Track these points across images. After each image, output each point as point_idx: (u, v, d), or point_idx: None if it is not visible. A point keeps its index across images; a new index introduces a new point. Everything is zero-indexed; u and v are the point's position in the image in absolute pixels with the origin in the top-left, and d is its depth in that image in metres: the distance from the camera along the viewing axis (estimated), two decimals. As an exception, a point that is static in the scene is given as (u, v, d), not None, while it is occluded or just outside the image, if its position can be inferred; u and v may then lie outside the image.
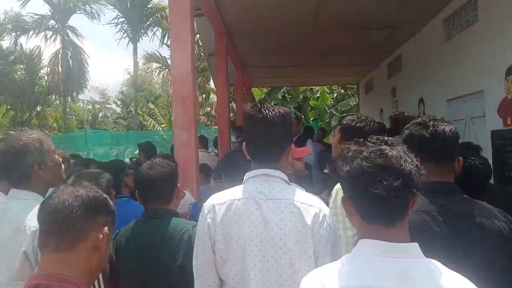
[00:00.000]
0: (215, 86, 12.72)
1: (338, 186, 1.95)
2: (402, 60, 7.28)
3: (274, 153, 1.47)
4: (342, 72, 9.80)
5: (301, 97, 15.48)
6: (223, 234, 1.40)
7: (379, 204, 0.96)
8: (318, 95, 15.46)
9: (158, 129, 19.92)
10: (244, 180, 1.50)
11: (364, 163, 0.97)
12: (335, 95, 16.72)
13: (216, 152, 7.15)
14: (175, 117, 3.61)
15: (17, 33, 23.64)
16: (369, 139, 1.04)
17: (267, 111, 1.46)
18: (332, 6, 5.10)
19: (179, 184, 2.02)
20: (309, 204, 1.41)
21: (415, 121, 1.57)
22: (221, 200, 1.45)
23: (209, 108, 19.81)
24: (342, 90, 16.80)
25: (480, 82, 4.44)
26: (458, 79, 4.95)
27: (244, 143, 1.55)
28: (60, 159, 1.77)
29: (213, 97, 19.09)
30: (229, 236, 1.39)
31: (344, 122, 2.09)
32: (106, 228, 1.12)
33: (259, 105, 1.49)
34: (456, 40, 5.09)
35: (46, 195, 1.30)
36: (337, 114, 16.09)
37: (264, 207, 1.39)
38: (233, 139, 7.03)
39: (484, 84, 4.36)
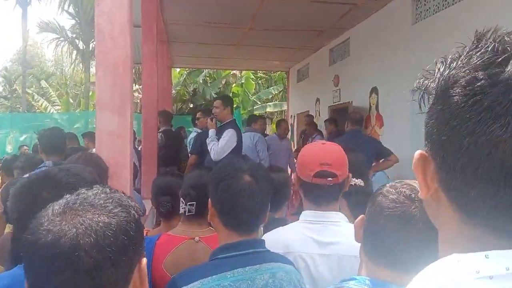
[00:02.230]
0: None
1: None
2: (351, 45, 6.68)
3: None
4: (276, 55, 8.98)
5: (223, 82, 14.40)
6: None
7: None
8: (243, 81, 14.54)
9: (51, 111, 17.04)
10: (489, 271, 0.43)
11: None
12: (259, 82, 15.99)
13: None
14: (100, 93, 2.34)
15: None
16: None
17: None
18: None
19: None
20: None
21: None
22: None
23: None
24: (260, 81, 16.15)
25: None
26: (431, 66, 4.40)
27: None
28: None
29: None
30: None
31: None
32: None
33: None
34: (427, 22, 4.54)
35: None
36: (259, 103, 15.44)
37: None
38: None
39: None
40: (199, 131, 5.36)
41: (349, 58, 6.77)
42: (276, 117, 16.65)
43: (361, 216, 0.94)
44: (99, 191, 0.77)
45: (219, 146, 3.66)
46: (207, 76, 14.44)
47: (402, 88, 4.96)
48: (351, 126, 4.20)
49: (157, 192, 1.97)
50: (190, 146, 5.30)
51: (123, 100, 2.29)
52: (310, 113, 8.34)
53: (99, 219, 0.70)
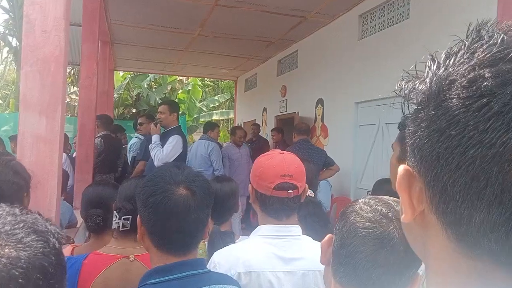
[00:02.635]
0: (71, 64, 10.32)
1: None
2: (299, 57, 6.77)
3: None
4: (225, 63, 8.89)
5: (169, 88, 14.01)
6: None
7: None
8: (189, 88, 14.25)
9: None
10: None
11: None
12: (206, 89, 15.80)
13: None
14: (26, 92, 2.09)
15: None
16: None
17: None
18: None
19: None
20: None
21: None
22: None
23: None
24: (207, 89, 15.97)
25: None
26: (375, 81, 4.55)
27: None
28: None
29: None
30: None
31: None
32: None
33: None
34: (373, 38, 4.70)
35: None
36: (206, 110, 15.25)
37: None
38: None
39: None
40: (141, 137, 5.10)
41: (297, 69, 6.85)
42: (223, 125, 16.55)
43: (328, 236, 0.85)
44: (4, 212, 0.57)
45: (164, 153, 3.48)
46: (152, 81, 13.98)
47: (347, 100, 5.09)
48: (298, 136, 4.20)
49: (86, 204, 1.76)
50: (131, 152, 5.02)
51: (53, 101, 2.05)
52: (256, 122, 8.33)
53: (2, 252, 0.51)
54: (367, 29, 4.87)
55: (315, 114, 5.99)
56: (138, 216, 1.12)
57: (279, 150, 1.38)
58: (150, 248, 1.12)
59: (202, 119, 15.35)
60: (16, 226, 0.54)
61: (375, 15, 4.71)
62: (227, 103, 17.52)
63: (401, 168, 0.43)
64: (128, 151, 5.14)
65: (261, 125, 8.07)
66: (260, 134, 7.37)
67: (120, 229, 1.43)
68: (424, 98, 0.40)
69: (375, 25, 4.71)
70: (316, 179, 2.45)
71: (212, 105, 15.47)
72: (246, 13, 5.30)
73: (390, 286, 0.73)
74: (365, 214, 0.78)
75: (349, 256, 0.75)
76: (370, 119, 4.69)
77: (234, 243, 1.89)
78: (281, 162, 1.26)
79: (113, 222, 1.45)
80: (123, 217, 1.44)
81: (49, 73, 2.06)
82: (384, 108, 4.48)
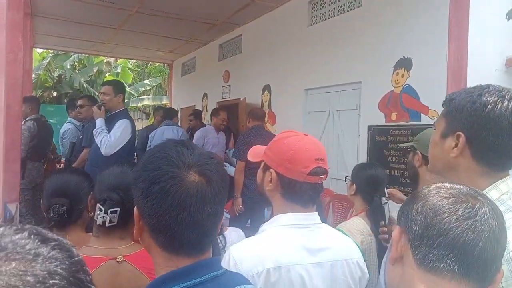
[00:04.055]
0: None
1: None
2: (243, 41, 6.61)
3: None
4: (161, 45, 8.41)
5: (95, 69, 12.97)
6: None
7: None
8: (118, 70, 13.31)
9: None
10: None
11: None
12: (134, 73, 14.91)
13: None
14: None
15: None
16: None
17: None
18: None
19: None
20: None
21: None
22: None
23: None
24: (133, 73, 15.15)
25: (356, 73, 4.15)
26: (325, 67, 4.58)
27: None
28: None
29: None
30: None
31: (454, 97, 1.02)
32: None
33: None
34: (323, 25, 4.71)
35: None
36: (136, 95, 14.46)
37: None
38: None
39: (361, 76, 4.08)
40: (76, 122, 4.60)
41: (241, 55, 6.70)
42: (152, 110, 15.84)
43: (397, 228, 0.75)
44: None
45: (112, 139, 3.14)
46: (76, 62, 12.82)
47: (296, 87, 5.08)
48: (252, 122, 4.09)
49: (49, 193, 1.47)
50: (65, 140, 4.52)
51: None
52: (197, 108, 8.05)
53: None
54: (317, 15, 4.87)
55: (262, 100, 5.91)
56: (136, 209, 0.90)
57: (295, 131, 1.24)
58: (151, 248, 0.89)
59: (132, 104, 14.53)
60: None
61: (326, 2, 4.72)
62: (154, 89, 16.78)
63: None
64: (60, 138, 4.62)
65: (202, 111, 7.81)
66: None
67: (107, 224, 1.20)
68: None
69: (325, 12, 4.72)
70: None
71: (143, 89, 14.70)
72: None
73: (492, 266, 0.67)
74: (446, 192, 0.72)
75: (441, 234, 0.67)
76: (320, 105, 4.73)
77: (223, 235, 1.73)
78: (313, 145, 1.15)
79: (97, 217, 1.21)
80: (109, 210, 1.20)
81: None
82: (335, 95, 4.54)
